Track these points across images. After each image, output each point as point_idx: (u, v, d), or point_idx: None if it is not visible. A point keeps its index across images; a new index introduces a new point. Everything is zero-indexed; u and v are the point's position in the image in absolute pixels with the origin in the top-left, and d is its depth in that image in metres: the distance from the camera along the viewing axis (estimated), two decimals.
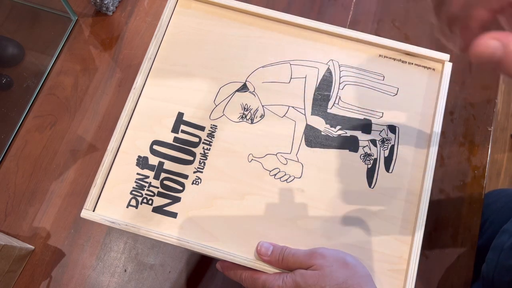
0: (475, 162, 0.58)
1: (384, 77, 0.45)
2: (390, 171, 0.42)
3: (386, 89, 0.45)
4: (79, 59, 0.61)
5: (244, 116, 0.44)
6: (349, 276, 0.36)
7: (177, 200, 0.41)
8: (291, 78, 0.45)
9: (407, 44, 0.46)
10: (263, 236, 0.40)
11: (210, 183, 0.42)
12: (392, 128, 0.44)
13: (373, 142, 0.43)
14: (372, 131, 0.44)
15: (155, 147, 0.43)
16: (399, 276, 0.39)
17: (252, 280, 0.39)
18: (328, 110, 0.44)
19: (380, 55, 0.46)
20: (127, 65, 0.61)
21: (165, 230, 0.40)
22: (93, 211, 0.40)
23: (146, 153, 0.42)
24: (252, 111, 0.44)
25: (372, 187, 0.42)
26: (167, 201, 0.41)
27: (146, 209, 0.41)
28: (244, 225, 0.40)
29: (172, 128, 0.43)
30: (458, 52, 0.31)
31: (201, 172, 0.42)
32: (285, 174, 0.42)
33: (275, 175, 0.42)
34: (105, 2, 0.60)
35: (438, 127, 0.43)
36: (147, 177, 0.42)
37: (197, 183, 0.42)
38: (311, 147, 0.43)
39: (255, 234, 0.40)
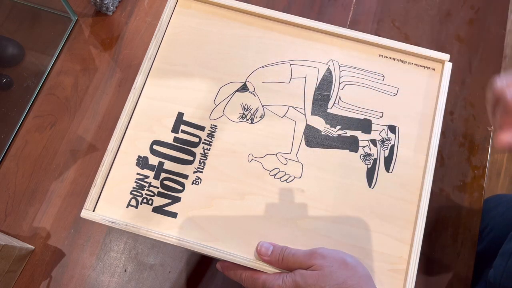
0: (475, 162, 0.58)
1: (384, 77, 0.45)
2: (390, 171, 0.42)
3: (386, 89, 0.45)
4: (79, 59, 0.61)
5: (244, 116, 0.44)
6: (349, 276, 0.36)
7: (177, 200, 0.41)
8: (291, 78, 0.45)
9: (407, 44, 0.46)
10: (263, 236, 0.40)
11: (210, 183, 0.42)
12: (392, 128, 0.44)
13: (373, 142, 0.43)
14: (372, 131, 0.44)
15: (155, 147, 0.43)
16: (399, 276, 0.39)
17: (252, 280, 0.39)
18: (328, 110, 0.44)
19: (380, 55, 0.46)
20: (127, 65, 0.61)
21: (165, 230, 0.40)
22: (93, 211, 0.40)
23: (146, 153, 0.42)
24: (252, 111, 0.44)
25: (372, 187, 0.42)
26: (167, 201, 0.41)
27: (146, 209, 0.41)
28: (244, 225, 0.40)
29: (172, 128, 0.43)
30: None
31: (201, 172, 0.42)
32: (285, 174, 0.42)
33: (275, 175, 0.42)
34: (105, 2, 0.60)
35: (438, 127, 0.43)
36: (147, 177, 0.42)
37: (197, 183, 0.42)
38: (311, 147, 0.43)
39: (255, 234, 0.40)
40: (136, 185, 0.41)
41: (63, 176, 0.56)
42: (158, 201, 0.41)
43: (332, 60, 0.46)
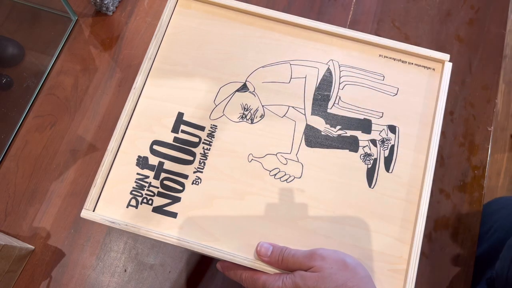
0: (475, 162, 0.58)
1: (384, 77, 0.45)
2: (390, 171, 0.42)
3: (386, 89, 0.45)
4: (79, 59, 0.61)
5: (244, 116, 0.44)
6: (349, 278, 0.35)
7: (177, 200, 0.41)
8: (291, 78, 0.45)
9: (407, 44, 0.46)
10: (263, 236, 0.40)
11: (210, 183, 0.42)
12: (392, 128, 0.44)
13: (373, 142, 0.43)
14: (372, 131, 0.44)
15: (155, 147, 0.43)
16: (399, 276, 0.39)
17: (252, 281, 0.39)
18: (328, 110, 0.44)
19: (380, 55, 0.46)
20: (127, 65, 0.61)
21: (165, 230, 0.40)
22: (93, 211, 0.40)
23: (146, 153, 0.42)
24: (252, 111, 0.44)
25: (372, 187, 0.42)
26: (167, 201, 0.41)
27: (146, 209, 0.41)
28: (244, 225, 0.40)
29: (172, 128, 0.43)
30: None
31: (201, 172, 0.42)
32: (285, 174, 0.42)
33: (275, 175, 0.42)
34: (105, 2, 0.60)
35: (438, 127, 0.43)
36: (147, 177, 0.42)
37: (197, 183, 0.42)
38: (311, 147, 0.43)
39: (255, 234, 0.40)
40: (136, 185, 0.41)
41: (63, 176, 0.56)
42: (158, 201, 0.41)
43: (332, 60, 0.46)
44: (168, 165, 0.42)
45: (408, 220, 0.41)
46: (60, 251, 0.53)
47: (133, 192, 0.41)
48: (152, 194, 0.41)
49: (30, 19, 0.64)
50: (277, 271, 0.39)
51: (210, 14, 0.47)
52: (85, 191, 0.55)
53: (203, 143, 0.43)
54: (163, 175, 0.42)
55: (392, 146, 0.43)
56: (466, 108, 0.60)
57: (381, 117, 0.44)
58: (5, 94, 0.60)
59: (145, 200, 0.41)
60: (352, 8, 0.65)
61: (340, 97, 0.45)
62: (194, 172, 0.42)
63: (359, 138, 0.43)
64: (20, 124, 0.58)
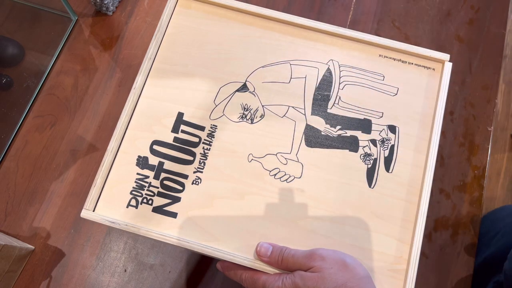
0: (475, 162, 0.58)
1: (384, 77, 0.45)
2: (390, 171, 0.42)
3: (386, 89, 0.45)
4: (79, 59, 0.61)
5: (244, 116, 0.44)
6: (349, 278, 0.35)
7: (177, 200, 0.41)
8: (291, 78, 0.45)
9: (407, 44, 0.46)
10: (263, 236, 0.40)
11: (210, 183, 0.42)
12: (392, 128, 0.44)
13: (373, 142, 0.43)
14: (372, 131, 0.44)
15: (155, 147, 0.43)
16: (399, 276, 0.39)
17: (252, 281, 0.39)
18: (328, 110, 0.44)
19: (380, 55, 0.46)
20: (127, 65, 0.61)
21: (165, 230, 0.40)
22: (93, 211, 0.40)
23: (146, 153, 0.42)
24: (252, 111, 0.44)
25: (372, 187, 0.42)
26: (167, 201, 0.41)
27: (146, 209, 0.41)
28: (244, 225, 0.40)
29: (172, 128, 0.43)
30: None
31: (201, 172, 0.42)
32: (285, 174, 0.42)
33: (275, 175, 0.42)
34: (105, 2, 0.60)
35: (438, 127, 0.43)
36: (147, 177, 0.42)
37: (197, 183, 0.42)
38: (311, 147, 0.43)
39: (255, 234, 0.40)
40: (136, 185, 0.41)
41: (63, 176, 0.56)
42: (158, 201, 0.41)
43: (332, 60, 0.46)
44: (168, 165, 0.42)
45: (408, 220, 0.41)
46: (60, 251, 0.53)
47: (133, 192, 0.41)
48: (152, 194, 0.41)
49: (30, 19, 0.64)
50: (277, 271, 0.39)
51: (210, 14, 0.47)
52: (85, 191, 0.55)
53: (203, 143, 0.43)
54: (163, 175, 0.42)
55: (392, 146, 0.43)
56: (466, 108, 0.60)
57: (381, 117, 0.44)
58: (5, 94, 0.60)
59: (145, 200, 0.41)
60: (352, 8, 0.65)
61: (340, 97, 0.45)
62: (194, 172, 0.42)
63: (359, 138, 0.43)
64: (20, 124, 0.58)
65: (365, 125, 0.44)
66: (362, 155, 0.43)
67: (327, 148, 0.43)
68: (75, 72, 0.60)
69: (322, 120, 0.44)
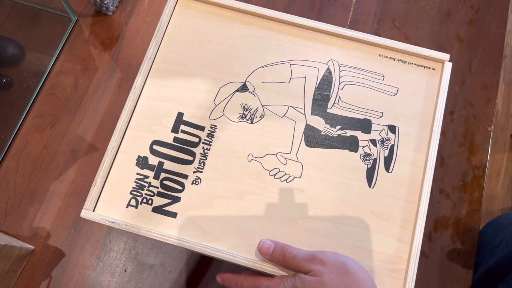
0: (475, 162, 0.58)
1: (384, 77, 0.45)
2: (390, 171, 0.42)
3: (386, 89, 0.45)
4: (79, 59, 0.61)
5: (244, 116, 0.44)
6: (349, 282, 0.35)
7: (177, 200, 0.41)
8: (291, 78, 0.45)
9: (407, 44, 0.46)
10: (263, 236, 0.40)
11: (210, 183, 0.42)
12: (392, 128, 0.44)
13: (373, 142, 0.43)
14: (372, 131, 0.44)
15: (155, 147, 0.43)
16: (399, 276, 0.39)
17: None
18: (328, 110, 0.44)
19: (380, 55, 0.46)
20: (127, 65, 0.61)
21: (165, 230, 0.40)
22: (93, 211, 0.40)
23: (146, 153, 0.42)
24: (252, 111, 0.44)
25: (372, 187, 0.42)
26: (167, 201, 0.41)
27: (146, 209, 0.41)
28: (244, 225, 0.40)
29: (172, 128, 0.43)
30: None
31: (201, 172, 0.42)
32: (285, 174, 0.42)
33: (275, 175, 0.42)
34: (105, 2, 0.60)
35: (438, 127, 0.43)
36: (147, 177, 0.42)
37: (197, 183, 0.42)
38: (311, 147, 0.43)
39: (255, 234, 0.40)
40: (136, 185, 0.41)
41: (63, 176, 0.56)
42: (158, 201, 0.41)
43: (332, 60, 0.46)
44: (168, 165, 0.42)
45: (408, 220, 0.41)
46: (60, 251, 0.53)
47: (133, 192, 0.41)
48: (152, 194, 0.41)
49: (30, 19, 0.64)
50: (277, 268, 0.39)
51: (210, 14, 0.47)
52: (85, 191, 0.55)
53: (203, 143, 0.43)
54: (163, 175, 0.42)
55: (392, 146, 0.43)
56: (466, 108, 0.60)
57: (381, 117, 0.44)
58: (5, 94, 0.60)
59: (145, 200, 0.41)
60: (352, 8, 0.65)
61: (340, 97, 0.45)
62: (194, 172, 0.42)
63: (359, 138, 0.43)
64: (20, 124, 0.58)
65: (365, 125, 0.44)
66: (362, 155, 0.43)
67: (327, 148, 0.43)
68: (75, 72, 0.60)
69: (322, 120, 0.44)
